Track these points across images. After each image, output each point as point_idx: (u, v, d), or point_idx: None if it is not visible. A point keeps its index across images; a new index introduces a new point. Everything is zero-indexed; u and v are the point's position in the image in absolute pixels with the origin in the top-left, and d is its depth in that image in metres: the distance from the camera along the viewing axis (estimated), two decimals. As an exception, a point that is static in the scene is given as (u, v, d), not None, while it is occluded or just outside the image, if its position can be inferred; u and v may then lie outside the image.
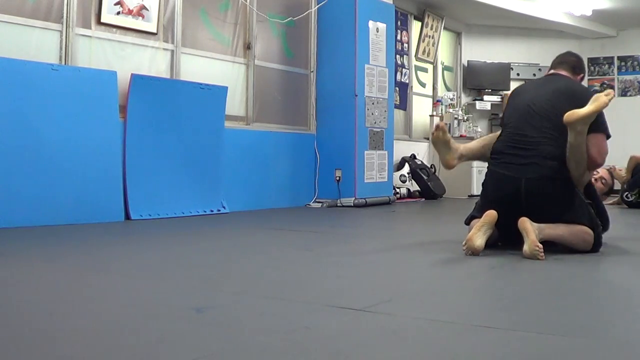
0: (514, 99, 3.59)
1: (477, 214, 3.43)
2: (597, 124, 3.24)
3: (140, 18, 5.22)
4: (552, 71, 3.63)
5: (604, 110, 3.23)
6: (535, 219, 3.19)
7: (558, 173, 3.25)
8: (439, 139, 3.57)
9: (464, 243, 3.16)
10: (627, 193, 7.05)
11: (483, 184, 3.55)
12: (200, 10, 5.78)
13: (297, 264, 3.04)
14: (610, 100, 3.10)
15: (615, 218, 5.92)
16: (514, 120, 3.44)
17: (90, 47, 4.92)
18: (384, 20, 6.98)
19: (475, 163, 7.50)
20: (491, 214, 3.17)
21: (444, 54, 9.66)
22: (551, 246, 3.30)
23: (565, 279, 2.78)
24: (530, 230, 3.09)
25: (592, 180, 3.80)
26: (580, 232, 3.25)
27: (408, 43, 8.66)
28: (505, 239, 3.40)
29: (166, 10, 5.44)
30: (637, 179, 7.00)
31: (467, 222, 3.51)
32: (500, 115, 3.75)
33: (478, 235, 3.14)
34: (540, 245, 3.05)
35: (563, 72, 3.56)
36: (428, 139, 8.93)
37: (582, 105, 3.15)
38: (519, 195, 3.25)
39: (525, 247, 3.07)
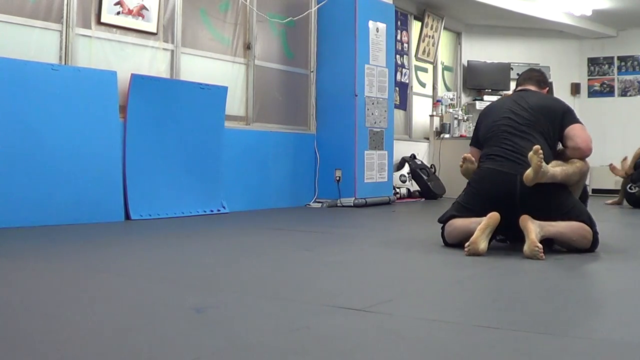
0: (487, 117, 3.64)
1: (457, 212, 3.43)
2: (569, 119, 3.46)
3: (140, 18, 5.22)
4: (520, 88, 3.77)
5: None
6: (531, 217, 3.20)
7: None
8: (468, 170, 3.57)
9: (466, 245, 3.15)
10: (630, 185, 7.06)
11: (471, 182, 3.51)
12: (200, 10, 5.78)
13: (297, 264, 3.04)
14: (540, 159, 3.11)
15: (615, 218, 5.94)
16: (498, 131, 3.46)
17: (90, 47, 4.92)
18: (384, 20, 6.98)
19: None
20: (494, 216, 3.16)
21: (444, 54, 9.65)
22: (550, 247, 3.30)
23: (565, 279, 2.78)
24: (531, 229, 3.09)
25: None
26: (579, 228, 3.26)
27: (408, 43, 8.66)
28: (499, 238, 3.41)
29: (166, 10, 5.44)
30: None
31: (445, 220, 3.48)
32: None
33: (482, 238, 3.14)
34: (540, 246, 3.06)
35: (531, 87, 3.73)
36: (428, 139, 8.94)
37: (556, 117, 3.45)
38: (514, 192, 3.26)
39: (525, 247, 3.08)
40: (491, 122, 3.56)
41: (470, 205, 3.41)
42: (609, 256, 3.27)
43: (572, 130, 3.44)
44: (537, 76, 3.81)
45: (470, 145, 3.78)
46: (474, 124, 3.91)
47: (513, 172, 3.28)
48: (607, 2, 8.58)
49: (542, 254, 3.04)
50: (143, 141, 5.02)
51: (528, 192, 3.23)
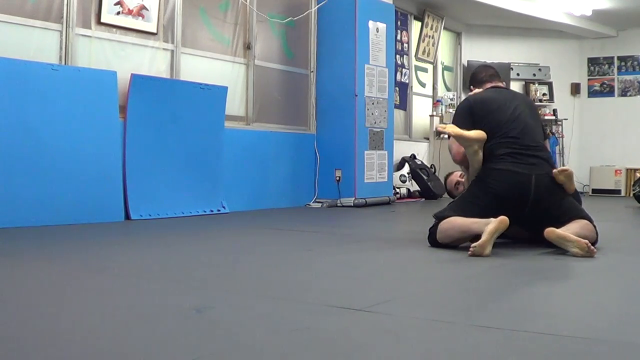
0: (489, 106, 3.59)
1: (459, 210, 3.44)
2: (545, 131, 3.82)
3: (140, 18, 5.22)
4: (492, 84, 3.82)
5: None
6: (536, 219, 3.33)
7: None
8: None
9: (473, 245, 3.13)
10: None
11: (483, 180, 3.47)
12: (200, 10, 5.78)
13: (297, 264, 3.04)
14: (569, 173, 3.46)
15: (625, 218, 5.95)
16: (511, 129, 3.50)
17: (90, 47, 4.92)
18: (384, 20, 6.98)
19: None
20: (505, 221, 3.16)
21: (444, 54, 9.65)
22: (549, 246, 3.30)
23: (566, 279, 2.78)
24: (566, 234, 3.17)
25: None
26: (588, 225, 3.37)
27: (408, 43, 8.66)
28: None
29: (166, 10, 5.44)
30: None
31: (443, 217, 3.46)
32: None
33: (490, 242, 3.14)
34: (586, 240, 3.14)
35: (501, 84, 3.87)
36: (428, 139, 8.94)
37: (540, 122, 3.78)
38: (528, 191, 3.35)
39: (575, 249, 3.13)
40: (497, 117, 3.53)
41: (479, 201, 3.42)
42: (612, 255, 3.27)
43: (546, 145, 3.72)
44: (497, 73, 3.92)
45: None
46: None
47: (528, 173, 3.38)
48: (607, 2, 8.58)
49: (593, 249, 3.13)
50: (143, 141, 5.02)
51: (541, 188, 3.36)
